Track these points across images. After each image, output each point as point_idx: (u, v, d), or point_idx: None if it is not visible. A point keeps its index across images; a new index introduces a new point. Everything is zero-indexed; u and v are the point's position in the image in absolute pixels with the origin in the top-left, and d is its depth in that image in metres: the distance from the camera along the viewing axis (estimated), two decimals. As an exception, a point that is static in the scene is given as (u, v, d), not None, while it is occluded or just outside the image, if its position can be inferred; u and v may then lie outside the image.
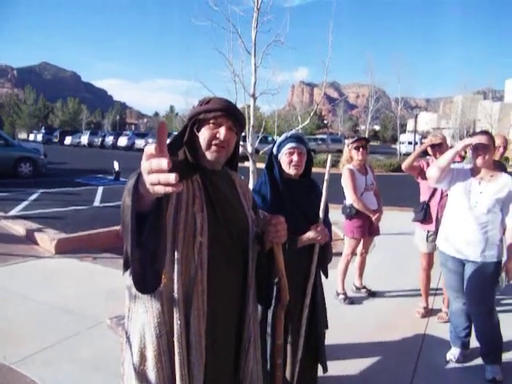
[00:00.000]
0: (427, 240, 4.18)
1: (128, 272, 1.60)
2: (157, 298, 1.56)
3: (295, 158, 2.41)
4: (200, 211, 1.60)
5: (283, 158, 2.45)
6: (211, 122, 1.67)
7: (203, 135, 1.68)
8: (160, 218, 1.32)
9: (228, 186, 1.79)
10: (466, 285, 3.21)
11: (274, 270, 1.80)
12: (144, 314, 1.59)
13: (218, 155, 1.68)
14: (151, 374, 1.56)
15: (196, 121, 1.70)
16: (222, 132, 1.66)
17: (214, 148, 1.67)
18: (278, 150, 2.48)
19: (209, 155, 1.67)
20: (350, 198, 4.56)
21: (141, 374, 1.59)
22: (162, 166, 0.98)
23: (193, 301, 1.56)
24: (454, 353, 3.41)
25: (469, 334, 3.42)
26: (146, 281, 1.42)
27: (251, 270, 1.76)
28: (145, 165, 1.02)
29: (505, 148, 3.36)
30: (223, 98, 1.75)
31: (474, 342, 3.37)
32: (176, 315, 1.55)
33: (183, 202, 1.58)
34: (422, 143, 4.13)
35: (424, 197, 4.24)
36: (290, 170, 2.44)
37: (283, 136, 2.52)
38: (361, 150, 4.49)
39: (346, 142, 4.81)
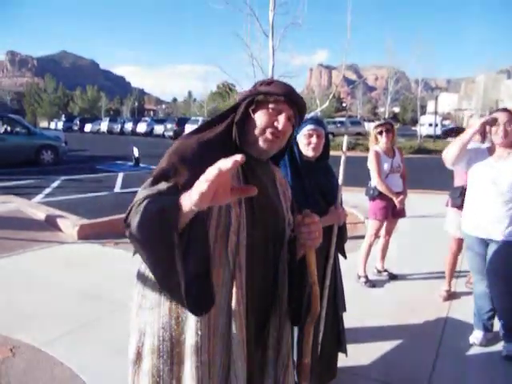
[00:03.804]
0: None
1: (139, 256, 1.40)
2: (167, 298, 1.40)
3: (314, 139, 2.42)
4: (236, 205, 1.39)
5: (301, 140, 2.45)
6: (270, 106, 1.46)
7: (259, 119, 1.46)
8: (204, 233, 1.29)
9: (270, 181, 1.56)
10: (488, 264, 3.17)
11: (306, 278, 1.52)
12: (149, 311, 1.45)
13: (272, 145, 1.47)
14: (144, 378, 1.43)
15: (253, 101, 1.48)
16: (281, 120, 1.46)
17: (269, 136, 1.45)
18: (297, 132, 2.47)
19: (261, 142, 1.46)
20: (374, 180, 4.54)
21: (135, 375, 1.48)
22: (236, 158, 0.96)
23: (232, 308, 1.37)
24: (477, 336, 3.37)
25: (492, 317, 3.37)
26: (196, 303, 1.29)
27: (282, 280, 1.55)
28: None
29: None
30: (286, 83, 1.53)
31: (497, 326, 3.33)
32: (198, 324, 1.36)
33: None
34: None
35: (460, 181, 4.01)
36: (308, 152, 2.44)
37: None
38: (384, 133, 4.46)
39: (372, 124, 4.75)
